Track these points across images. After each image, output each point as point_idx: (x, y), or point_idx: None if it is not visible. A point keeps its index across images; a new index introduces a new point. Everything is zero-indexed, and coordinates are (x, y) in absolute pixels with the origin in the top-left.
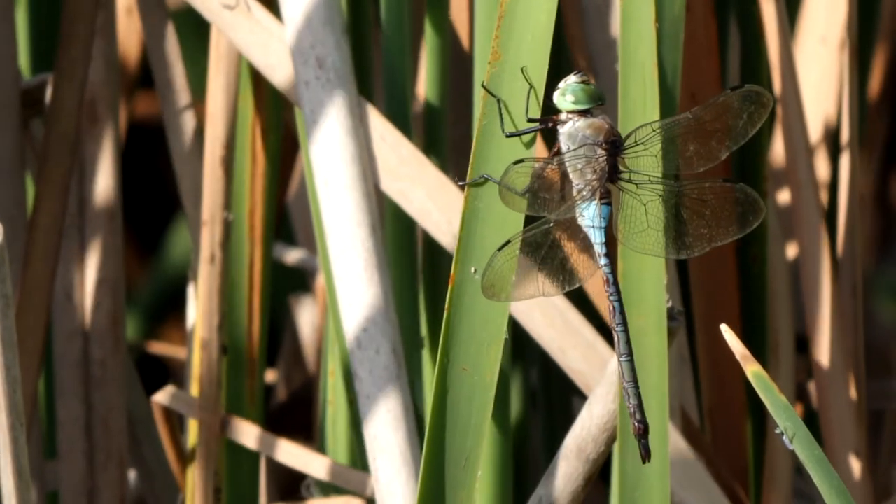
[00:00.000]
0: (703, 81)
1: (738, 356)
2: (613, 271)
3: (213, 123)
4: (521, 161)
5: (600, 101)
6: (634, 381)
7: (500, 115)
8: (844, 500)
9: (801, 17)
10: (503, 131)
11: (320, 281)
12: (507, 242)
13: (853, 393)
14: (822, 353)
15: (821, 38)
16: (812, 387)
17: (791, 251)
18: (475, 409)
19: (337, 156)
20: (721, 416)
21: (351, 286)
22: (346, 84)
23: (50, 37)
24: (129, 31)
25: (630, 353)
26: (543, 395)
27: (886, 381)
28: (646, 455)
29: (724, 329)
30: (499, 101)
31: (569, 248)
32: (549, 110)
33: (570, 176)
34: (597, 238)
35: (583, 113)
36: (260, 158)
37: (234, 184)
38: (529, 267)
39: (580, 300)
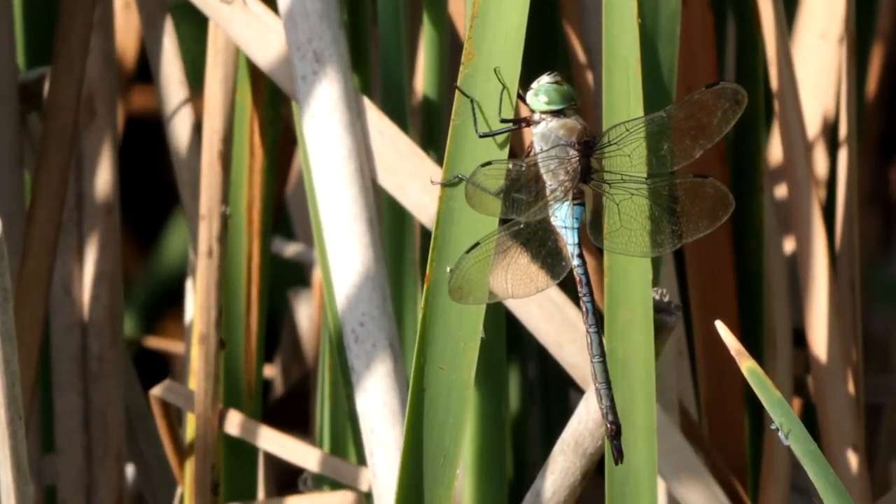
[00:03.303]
0: (699, 77)
1: (732, 351)
2: (586, 272)
3: (211, 117)
4: (488, 163)
5: (573, 101)
6: (607, 381)
7: (474, 115)
8: (840, 495)
9: (800, 12)
10: (476, 132)
11: (319, 275)
12: (476, 244)
13: (851, 387)
14: (821, 347)
15: (820, 33)
16: (810, 381)
17: (789, 246)
18: (453, 408)
19: (334, 151)
20: (719, 410)
21: (348, 281)
22: (343, 79)
23: (47, 31)
24: (126, 25)
25: (603, 355)
26: (541, 388)
27: (885, 375)
28: (618, 456)
29: (719, 325)
30: (472, 101)
31: (540, 249)
32: (525, 111)
33: (543, 176)
34: (570, 239)
35: (556, 113)
36: (258, 153)
37: (231, 178)
38: (499, 268)
39: (572, 295)
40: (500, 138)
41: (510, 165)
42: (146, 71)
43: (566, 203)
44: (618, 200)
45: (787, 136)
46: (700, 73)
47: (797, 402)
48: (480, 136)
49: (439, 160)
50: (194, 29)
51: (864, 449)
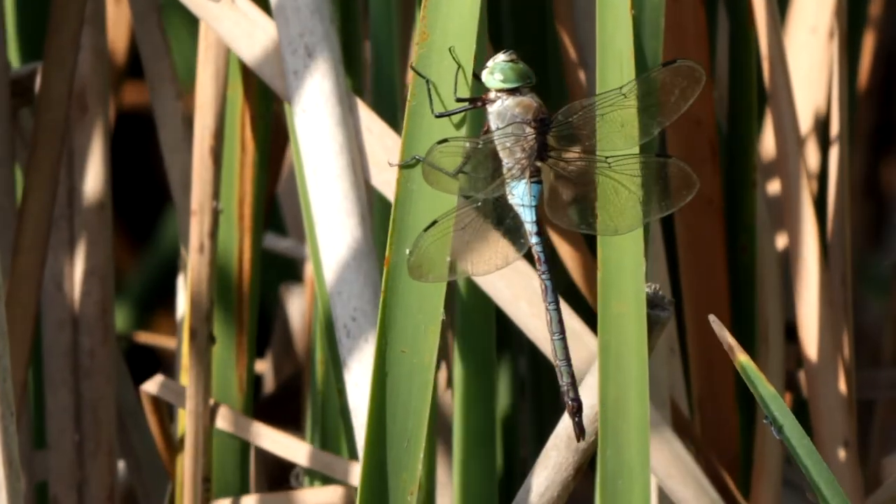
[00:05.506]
0: None
1: (726, 346)
2: (544, 250)
3: (202, 113)
4: (444, 141)
5: (529, 79)
6: (567, 359)
7: (430, 95)
8: (833, 489)
9: (791, 6)
10: (432, 112)
11: (310, 270)
12: (434, 223)
13: (843, 382)
14: (812, 342)
15: (811, 27)
16: (802, 376)
17: (781, 241)
18: (415, 391)
19: (326, 145)
20: (711, 406)
21: (340, 276)
22: (335, 74)
23: (39, 26)
24: (118, 20)
25: (562, 332)
26: (532, 384)
27: (876, 370)
28: (580, 433)
29: (713, 319)
30: (428, 81)
31: (499, 226)
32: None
33: (500, 154)
34: (527, 216)
35: (511, 91)
36: (249, 148)
37: (223, 173)
38: (458, 246)
39: (568, 291)
40: (457, 118)
41: (466, 143)
42: (138, 66)
43: (523, 181)
44: (576, 179)
45: (780, 131)
46: None
47: (788, 398)
48: (437, 117)
49: None
50: (186, 24)
51: (855, 445)
